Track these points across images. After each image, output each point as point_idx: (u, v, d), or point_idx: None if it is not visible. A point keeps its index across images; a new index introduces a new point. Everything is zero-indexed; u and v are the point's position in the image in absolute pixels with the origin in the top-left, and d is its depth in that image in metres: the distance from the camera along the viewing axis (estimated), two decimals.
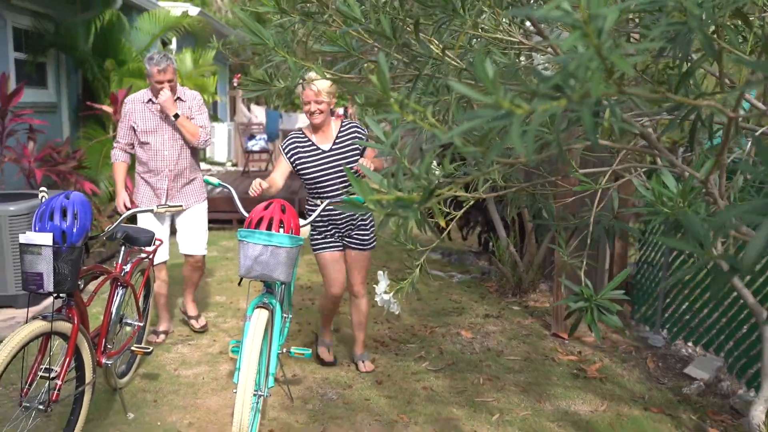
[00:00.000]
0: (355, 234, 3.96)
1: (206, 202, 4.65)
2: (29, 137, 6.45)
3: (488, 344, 4.69)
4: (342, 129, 3.88)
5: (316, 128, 3.86)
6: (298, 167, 3.86)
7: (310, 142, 3.86)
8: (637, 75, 1.92)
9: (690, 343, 4.53)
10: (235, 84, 19.12)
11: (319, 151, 3.83)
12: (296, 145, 3.87)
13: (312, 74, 3.28)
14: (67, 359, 2.96)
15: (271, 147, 13.28)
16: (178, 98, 4.34)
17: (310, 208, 3.94)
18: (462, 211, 2.39)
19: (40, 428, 3.27)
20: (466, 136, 1.69)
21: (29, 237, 2.80)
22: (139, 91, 4.49)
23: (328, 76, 2.23)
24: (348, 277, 4.07)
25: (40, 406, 2.86)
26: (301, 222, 3.37)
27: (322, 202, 3.81)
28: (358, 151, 3.84)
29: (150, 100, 4.34)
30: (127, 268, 3.70)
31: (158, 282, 4.53)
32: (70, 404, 3.13)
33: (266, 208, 3.15)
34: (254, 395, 3.00)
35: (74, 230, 2.86)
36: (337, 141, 3.84)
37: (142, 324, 3.95)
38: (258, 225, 3.10)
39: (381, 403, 3.74)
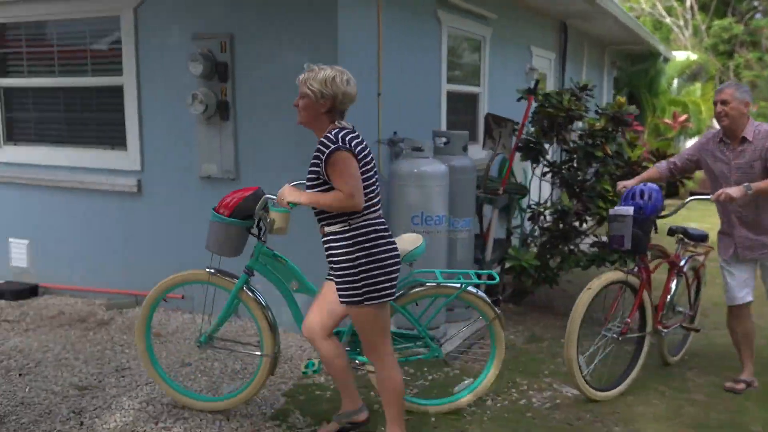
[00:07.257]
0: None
1: None
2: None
3: None
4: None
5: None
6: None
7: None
8: None
9: None
10: None
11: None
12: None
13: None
14: (636, 304, 3.88)
15: None
16: (744, 138, 3.87)
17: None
18: None
19: (613, 359, 3.98)
20: None
21: (616, 209, 3.79)
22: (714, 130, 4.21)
23: None
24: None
25: (614, 335, 3.80)
26: None
27: None
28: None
29: (721, 139, 3.99)
30: (684, 260, 4.31)
31: (746, 324, 4.14)
32: (631, 352, 4.05)
33: None
34: None
35: (648, 207, 3.81)
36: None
37: (691, 313, 4.47)
38: None
39: None
